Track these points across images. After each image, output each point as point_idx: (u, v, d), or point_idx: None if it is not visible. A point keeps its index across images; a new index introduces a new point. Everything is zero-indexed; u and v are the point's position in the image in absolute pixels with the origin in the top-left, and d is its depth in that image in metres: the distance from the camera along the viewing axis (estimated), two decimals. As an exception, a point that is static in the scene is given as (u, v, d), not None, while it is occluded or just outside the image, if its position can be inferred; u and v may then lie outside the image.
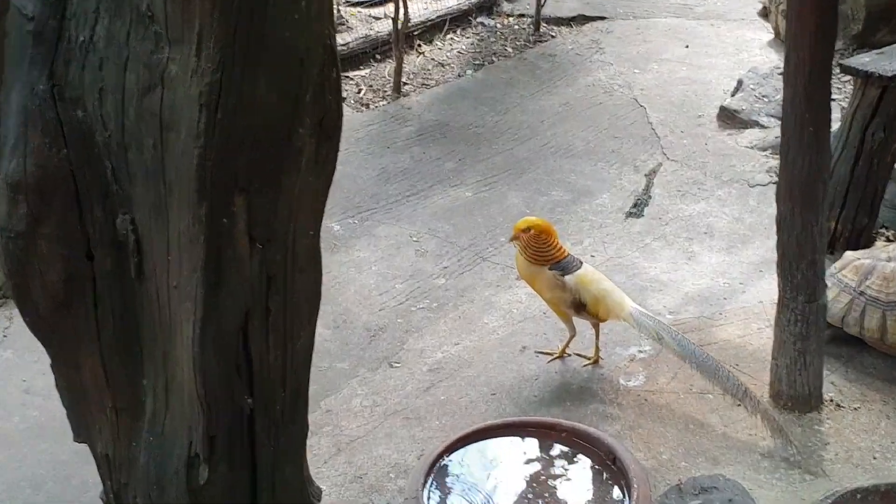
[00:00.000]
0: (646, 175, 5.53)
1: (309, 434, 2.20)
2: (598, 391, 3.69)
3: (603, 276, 3.78)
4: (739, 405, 3.49)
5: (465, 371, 3.85)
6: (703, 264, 4.66)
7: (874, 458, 3.28)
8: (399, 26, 6.36)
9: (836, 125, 4.48)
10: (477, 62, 6.97)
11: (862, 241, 4.65)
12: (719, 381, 3.37)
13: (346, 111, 6.23)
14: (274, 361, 1.95)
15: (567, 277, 3.63)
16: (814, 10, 3.05)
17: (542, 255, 3.65)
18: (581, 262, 3.73)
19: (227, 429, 1.94)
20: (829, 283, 3.80)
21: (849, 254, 3.95)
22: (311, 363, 2.10)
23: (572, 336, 3.85)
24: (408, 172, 5.56)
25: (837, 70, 4.26)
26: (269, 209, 1.83)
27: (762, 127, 5.94)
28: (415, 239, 4.87)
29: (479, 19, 7.65)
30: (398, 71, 6.45)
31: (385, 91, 6.47)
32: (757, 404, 3.33)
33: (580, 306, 3.66)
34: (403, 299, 4.39)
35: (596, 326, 3.83)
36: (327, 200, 1.98)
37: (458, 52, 7.12)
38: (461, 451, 2.68)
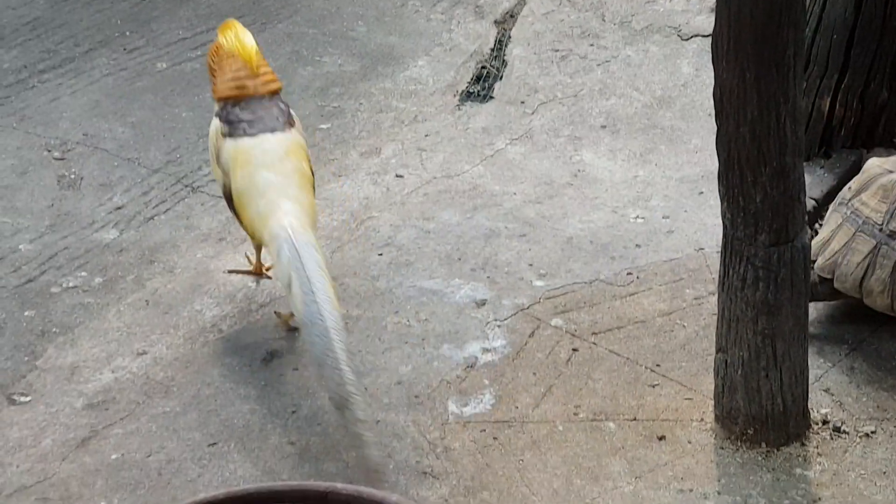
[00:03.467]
0: (496, 23, 5.56)
1: None
2: (408, 428, 3.73)
3: (293, 161, 3.84)
4: (662, 439, 3.61)
5: (157, 404, 3.83)
6: (599, 185, 4.72)
7: (902, 525, 3.46)
8: None
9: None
10: None
11: (881, 131, 4.79)
12: (324, 373, 3.47)
13: None
14: None
15: (229, 141, 3.84)
16: None
17: (218, 76, 3.95)
18: (283, 126, 3.88)
19: None
20: (835, 215, 3.91)
21: (873, 162, 4.05)
22: None
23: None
24: (40, 26, 5.48)
25: None
26: None
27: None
28: (57, 155, 4.82)
29: None
30: None
31: None
32: (356, 425, 3.38)
33: (229, 198, 3.91)
34: (35, 272, 4.35)
35: (257, 251, 4.16)
36: None
37: None
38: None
